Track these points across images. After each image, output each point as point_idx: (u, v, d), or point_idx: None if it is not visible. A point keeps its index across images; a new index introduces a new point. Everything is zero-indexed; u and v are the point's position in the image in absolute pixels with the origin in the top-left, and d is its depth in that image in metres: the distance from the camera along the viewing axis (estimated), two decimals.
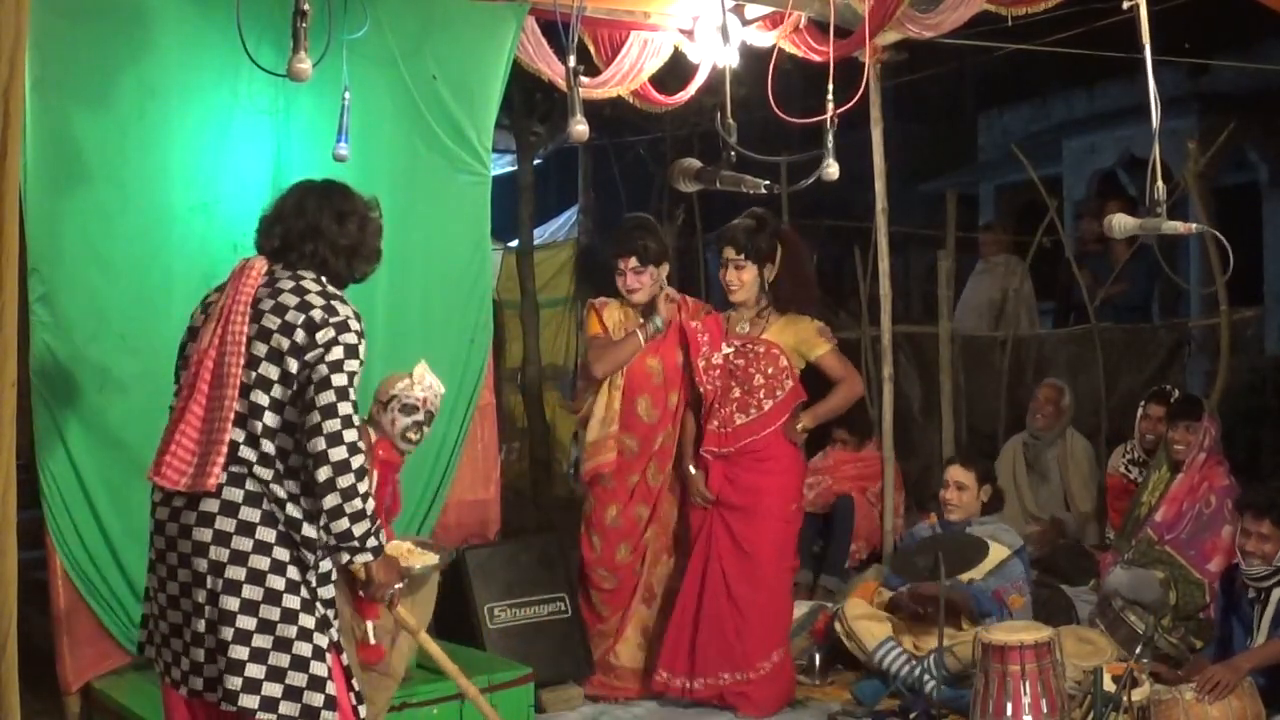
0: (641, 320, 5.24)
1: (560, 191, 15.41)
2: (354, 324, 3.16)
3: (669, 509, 5.35)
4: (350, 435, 3.06)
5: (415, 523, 5.28)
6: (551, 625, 5.34)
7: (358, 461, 3.07)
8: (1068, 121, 14.82)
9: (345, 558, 3.17)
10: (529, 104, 8.85)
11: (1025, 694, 4.26)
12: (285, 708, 3.06)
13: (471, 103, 5.33)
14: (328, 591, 3.19)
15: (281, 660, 3.06)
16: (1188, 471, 5.94)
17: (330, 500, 3.07)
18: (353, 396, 3.11)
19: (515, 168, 10.02)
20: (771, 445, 5.15)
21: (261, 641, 3.04)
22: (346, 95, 4.45)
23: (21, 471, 3.51)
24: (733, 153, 4.58)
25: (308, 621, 3.10)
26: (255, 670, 3.04)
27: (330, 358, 3.07)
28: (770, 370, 5.15)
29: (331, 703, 3.10)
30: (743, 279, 5.17)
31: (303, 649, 3.08)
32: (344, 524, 3.09)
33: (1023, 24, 6.24)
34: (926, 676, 4.98)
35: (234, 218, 4.69)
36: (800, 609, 6.22)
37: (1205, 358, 8.22)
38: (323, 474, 3.05)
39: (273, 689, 3.05)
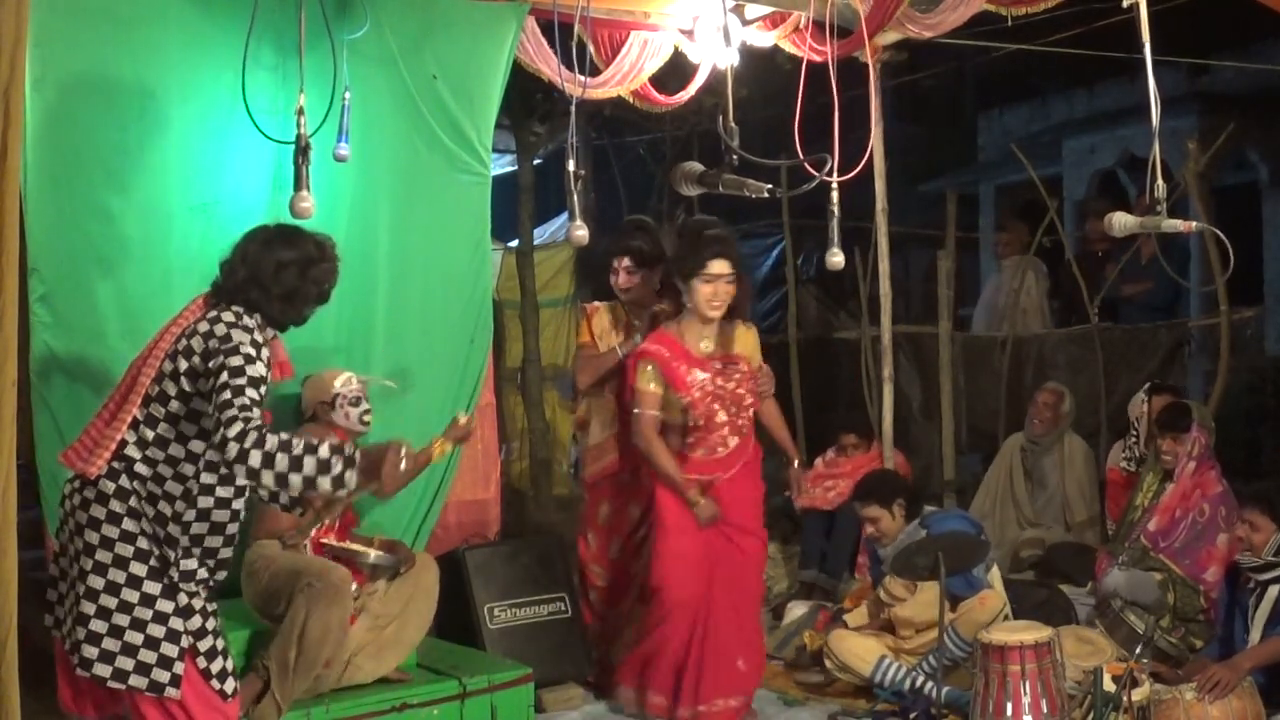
0: (623, 338, 5.25)
1: (560, 191, 15.31)
2: (246, 349, 3.39)
3: None
4: (252, 420, 3.22)
5: (415, 522, 5.28)
6: (551, 625, 5.34)
7: (271, 442, 3.20)
8: (1068, 121, 14.82)
9: (342, 494, 3.33)
10: (529, 104, 8.84)
11: (1025, 694, 4.26)
12: (134, 680, 3.39)
13: (471, 103, 5.33)
14: (190, 586, 3.46)
15: (135, 639, 3.39)
16: (1178, 481, 5.92)
17: (290, 479, 3.22)
18: (250, 395, 3.27)
19: (515, 168, 10.01)
20: (754, 454, 5.00)
21: (119, 620, 3.38)
22: (346, 95, 4.45)
23: (21, 471, 3.53)
24: (734, 157, 4.56)
25: (165, 606, 3.41)
26: (111, 644, 3.38)
27: (220, 381, 3.30)
28: (749, 386, 4.93)
29: (176, 680, 3.40)
30: (730, 293, 4.81)
31: (156, 630, 3.39)
32: (322, 481, 3.23)
33: (1023, 24, 6.25)
34: (922, 677, 4.99)
35: (234, 218, 4.69)
36: (800, 609, 6.24)
37: (1205, 358, 8.22)
38: (249, 469, 3.21)
39: (125, 662, 3.39)
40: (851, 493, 5.56)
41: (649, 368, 4.82)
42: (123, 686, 3.41)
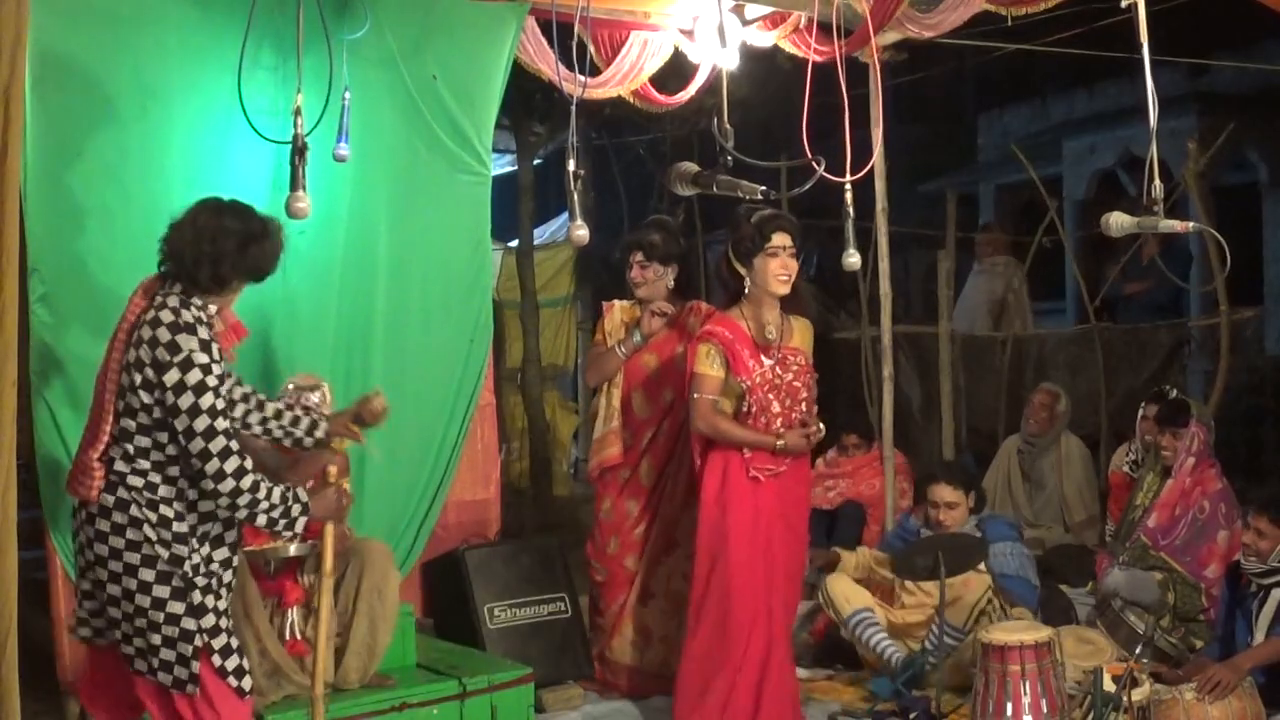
0: (624, 335, 5.27)
1: (560, 191, 15.34)
2: (198, 356, 3.44)
3: (668, 509, 5.25)
4: (216, 445, 3.44)
5: (415, 522, 5.29)
6: (551, 625, 5.34)
7: (231, 465, 3.45)
8: (1068, 121, 14.83)
9: (287, 534, 3.69)
10: (529, 104, 8.86)
11: (1025, 694, 4.25)
12: (160, 677, 3.52)
13: (471, 103, 5.33)
14: (202, 580, 3.54)
15: (154, 639, 3.50)
16: (1177, 477, 5.91)
17: (239, 507, 3.50)
18: (215, 422, 3.43)
19: (515, 168, 10.02)
20: (804, 456, 4.87)
21: (139, 623, 3.50)
22: (346, 95, 4.45)
23: (21, 471, 3.55)
24: (729, 158, 4.54)
25: (176, 608, 3.50)
26: (140, 643, 3.52)
27: (184, 404, 3.42)
28: (805, 380, 4.78)
29: (194, 679, 3.51)
30: (795, 268, 4.69)
31: (170, 631, 3.50)
32: (262, 519, 3.53)
33: (1023, 24, 6.25)
34: (886, 642, 5.12)
35: None
36: (800, 608, 6.24)
37: (1205, 358, 8.23)
38: (208, 486, 3.47)
39: (146, 662, 3.53)
40: (928, 474, 5.68)
41: (712, 349, 4.66)
42: (155, 679, 3.53)
